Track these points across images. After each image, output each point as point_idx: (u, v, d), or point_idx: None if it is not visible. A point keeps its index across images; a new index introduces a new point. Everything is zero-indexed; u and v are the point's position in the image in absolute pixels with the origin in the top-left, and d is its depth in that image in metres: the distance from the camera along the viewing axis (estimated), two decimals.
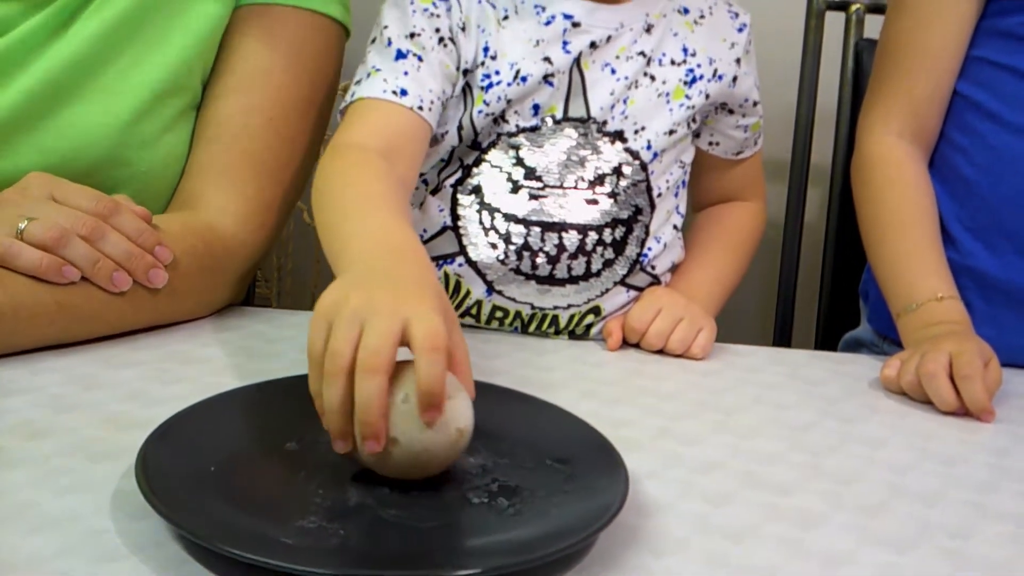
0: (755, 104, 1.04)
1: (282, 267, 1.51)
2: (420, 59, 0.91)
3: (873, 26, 1.27)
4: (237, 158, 0.94)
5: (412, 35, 0.92)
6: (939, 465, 0.75)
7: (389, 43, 0.92)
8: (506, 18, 0.95)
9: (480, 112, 0.93)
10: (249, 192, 0.93)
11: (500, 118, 0.94)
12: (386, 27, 0.93)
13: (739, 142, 1.06)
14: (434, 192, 0.97)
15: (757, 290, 1.48)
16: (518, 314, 0.98)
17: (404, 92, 0.90)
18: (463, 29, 0.93)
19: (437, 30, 0.93)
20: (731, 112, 1.04)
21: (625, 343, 0.97)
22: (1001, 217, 1.00)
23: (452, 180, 0.96)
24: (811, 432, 0.79)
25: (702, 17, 1.01)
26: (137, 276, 0.82)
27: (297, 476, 0.61)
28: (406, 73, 0.90)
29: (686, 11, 1.00)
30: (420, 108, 0.90)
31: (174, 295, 0.87)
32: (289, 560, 0.50)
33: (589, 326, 0.99)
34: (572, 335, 0.99)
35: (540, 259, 0.95)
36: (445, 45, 0.93)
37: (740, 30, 1.02)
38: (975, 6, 1.01)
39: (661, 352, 0.95)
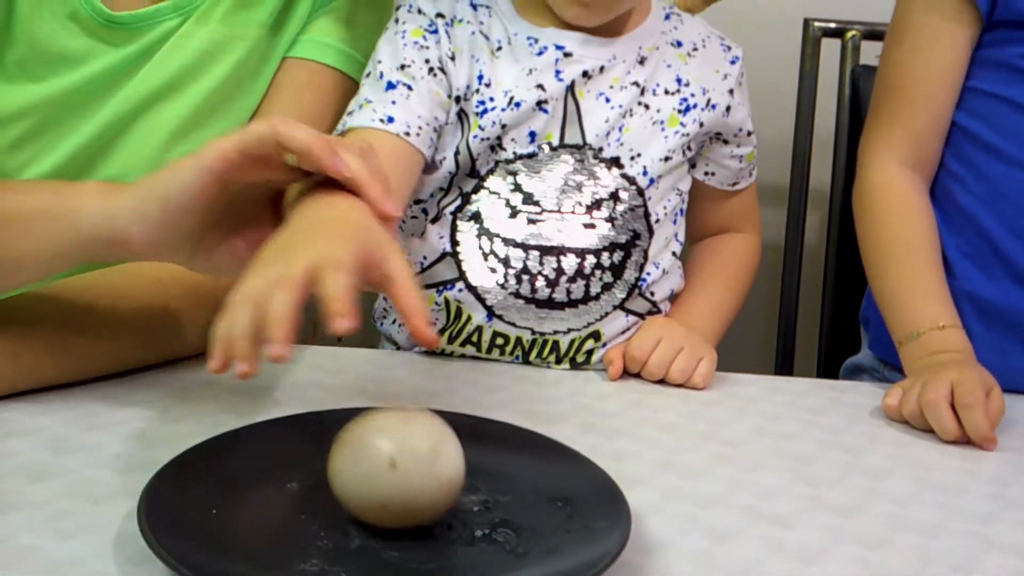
0: (749, 134, 1.05)
1: None
2: (409, 88, 0.94)
3: (869, 52, 1.28)
4: None
5: (403, 66, 0.94)
6: (941, 495, 0.75)
7: (381, 76, 0.94)
8: (499, 49, 0.97)
9: (476, 137, 0.95)
10: None
11: (497, 146, 0.95)
12: (379, 61, 0.95)
13: (735, 172, 1.07)
14: (434, 220, 0.98)
15: (758, 316, 1.47)
16: (519, 340, 0.98)
17: (391, 119, 0.92)
18: (452, 59, 0.96)
19: (427, 61, 0.95)
20: (726, 142, 1.04)
21: (626, 373, 0.97)
22: (997, 246, 1.00)
23: (452, 207, 0.97)
24: (813, 464, 0.79)
25: (695, 50, 1.02)
26: None
27: (299, 518, 0.61)
28: (394, 102, 0.93)
29: (679, 44, 1.02)
30: (407, 134, 0.92)
31: (175, 331, 0.87)
32: None
33: (590, 352, 0.99)
34: (573, 363, 0.99)
35: (539, 283, 0.96)
36: (435, 75, 0.95)
37: (733, 62, 1.03)
38: (971, 36, 1.02)
39: (662, 382, 0.95)
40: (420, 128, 0.93)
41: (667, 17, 1.03)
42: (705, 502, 0.71)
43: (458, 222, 0.97)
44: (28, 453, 0.70)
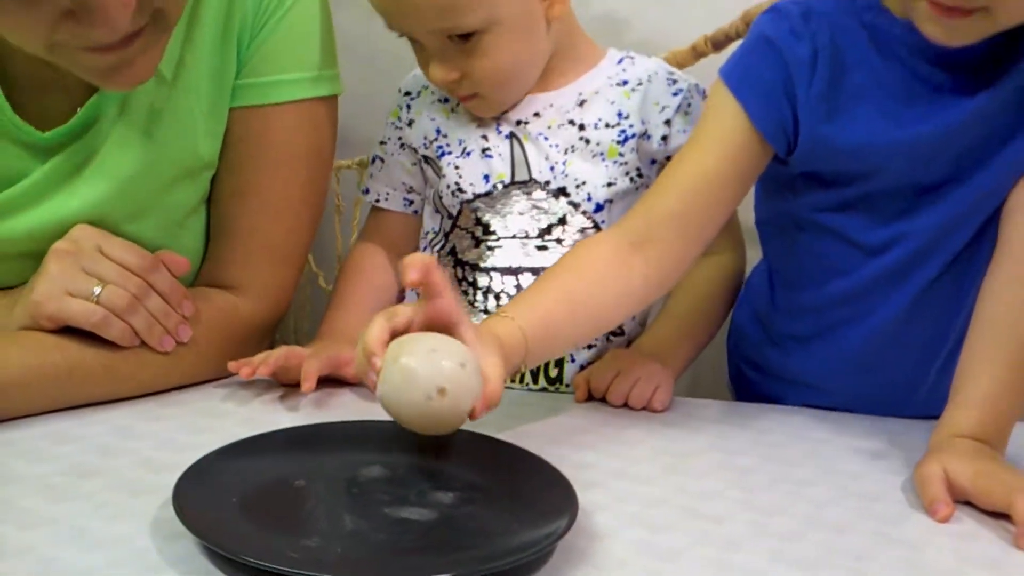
0: None
1: (299, 329, 1.63)
2: (383, 161, 1.19)
3: None
4: (252, 253, 1.05)
5: (381, 143, 1.19)
6: (858, 501, 0.86)
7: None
8: (459, 105, 1.14)
9: (444, 178, 1.12)
10: (265, 278, 1.06)
11: (458, 190, 1.11)
12: None
13: None
14: None
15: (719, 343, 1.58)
16: None
17: (367, 191, 1.21)
18: (410, 124, 1.16)
19: (399, 138, 1.17)
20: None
21: (595, 397, 1.08)
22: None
23: (438, 247, 1.15)
24: (751, 474, 0.90)
25: (640, 84, 1.11)
26: (169, 332, 0.95)
27: (304, 507, 0.73)
28: (372, 175, 1.21)
29: (625, 83, 1.12)
30: (377, 201, 1.20)
31: (201, 360, 1.00)
32: (296, 568, 0.63)
33: (560, 365, 1.10)
34: (548, 379, 1.11)
35: (503, 301, 1.10)
36: (404, 148, 1.17)
37: (675, 94, 1.11)
38: (753, 161, 0.99)
39: (627, 405, 1.06)
40: (388, 194, 1.18)
41: (620, 61, 1.14)
42: (650, 503, 0.82)
43: (442, 259, 1.13)
44: (77, 456, 0.83)
